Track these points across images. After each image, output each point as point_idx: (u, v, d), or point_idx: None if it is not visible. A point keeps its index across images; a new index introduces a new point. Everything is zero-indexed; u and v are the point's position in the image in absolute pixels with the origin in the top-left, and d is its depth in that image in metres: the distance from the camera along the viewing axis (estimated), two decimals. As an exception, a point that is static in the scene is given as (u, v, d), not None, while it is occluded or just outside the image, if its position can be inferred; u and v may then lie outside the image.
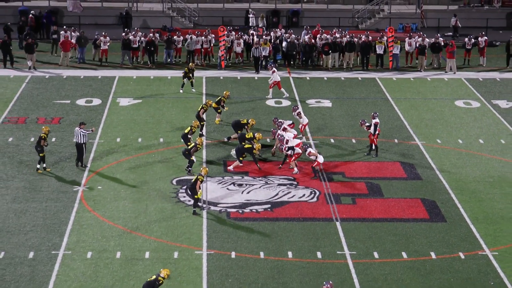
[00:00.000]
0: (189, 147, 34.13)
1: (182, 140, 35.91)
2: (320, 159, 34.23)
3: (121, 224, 29.84)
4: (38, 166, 34.06)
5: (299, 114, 37.86)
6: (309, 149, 34.52)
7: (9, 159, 35.45)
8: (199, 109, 38.08)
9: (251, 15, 58.91)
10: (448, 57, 49.81)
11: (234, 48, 50.99)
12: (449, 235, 29.51)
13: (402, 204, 31.98)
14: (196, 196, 30.51)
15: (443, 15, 61.62)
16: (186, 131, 35.62)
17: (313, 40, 50.35)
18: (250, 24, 57.92)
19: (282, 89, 44.10)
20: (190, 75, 44.72)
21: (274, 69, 44.45)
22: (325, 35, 50.58)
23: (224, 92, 40.55)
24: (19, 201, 31.52)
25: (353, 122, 40.32)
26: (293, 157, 34.45)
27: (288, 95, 44.33)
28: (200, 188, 30.53)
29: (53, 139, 36.83)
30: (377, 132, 36.10)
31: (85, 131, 34.12)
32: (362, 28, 59.46)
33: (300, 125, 37.68)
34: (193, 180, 30.81)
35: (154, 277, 24.08)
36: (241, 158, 34.61)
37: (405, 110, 42.90)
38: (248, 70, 49.65)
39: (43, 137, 33.90)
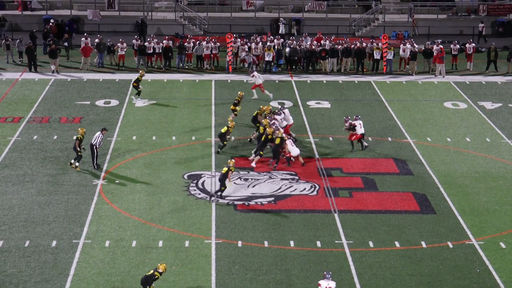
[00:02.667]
0: (223, 131, 34.97)
1: (218, 139, 35.91)
2: (294, 152, 34.17)
3: (137, 215, 29.81)
4: (72, 161, 33.96)
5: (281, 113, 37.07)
6: (289, 141, 34.29)
7: (34, 155, 35.43)
8: (254, 114, 37.72)
9: (281, 24, 58.89)
10: (437, 62, 49.73)
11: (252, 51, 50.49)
12: (438, 226, 29.44)
13: (395, 197, 31.91)
14: (223, 188, 31.09)
15: (433, 23, 61.60)
16: (223, 130, 35.41)
17: (313, 46, 50.23)
18: (280, 32, 57.78)
19: (266, 91, 43.61)
20: (139, 83, 42.89)
21: (254, 73, 44.03)
22: (315, 41, 50.71)
23: (239, 93, 40.34)
24: (43, 194, 31.51)
25: (350, 121, 40.23)
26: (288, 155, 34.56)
27: (272, 95, 43.80)
28: (230, 179, 30.94)
29: (74, 137, 36.72)
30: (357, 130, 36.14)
31: (101, 138, 33.92)
32: (358, 36, 59.34)
33: (284, 124, 37.01)
34: (224, 171, 31.04)
35: (151, 271, 23.95)
36: (261, 153, 34.50)
37: (398, 111, 42.79)
38: (253, 74, 49.51)
39: (79, 138, 33.65)
